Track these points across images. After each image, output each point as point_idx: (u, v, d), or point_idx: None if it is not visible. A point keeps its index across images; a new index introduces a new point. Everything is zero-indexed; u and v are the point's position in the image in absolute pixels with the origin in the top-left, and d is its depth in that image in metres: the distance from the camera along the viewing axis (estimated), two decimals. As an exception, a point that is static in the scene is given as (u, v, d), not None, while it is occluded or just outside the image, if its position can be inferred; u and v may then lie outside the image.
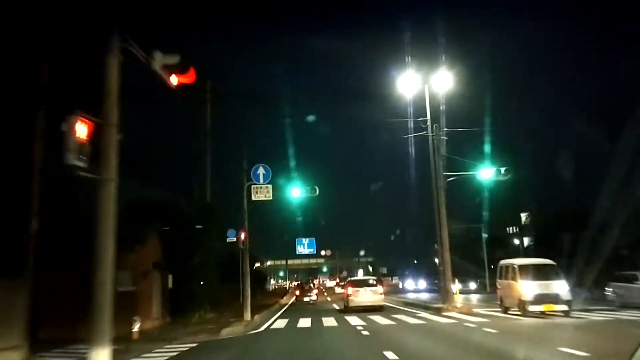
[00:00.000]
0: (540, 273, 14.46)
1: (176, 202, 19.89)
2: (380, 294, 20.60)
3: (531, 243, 49.61)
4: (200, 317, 19.32)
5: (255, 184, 17.80)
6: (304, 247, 62.57)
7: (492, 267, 46.67)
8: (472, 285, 38.75)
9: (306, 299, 32.22)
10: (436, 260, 72.79)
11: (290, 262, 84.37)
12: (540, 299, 14.01)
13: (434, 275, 42.71)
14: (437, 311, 17.42)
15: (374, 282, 21.47)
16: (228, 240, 19.51)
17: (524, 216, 52.97)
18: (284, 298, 39.54)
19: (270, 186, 17.91)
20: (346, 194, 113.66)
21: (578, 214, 29.20)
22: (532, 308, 14.04)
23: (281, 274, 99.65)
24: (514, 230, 56.14)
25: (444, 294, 18.61)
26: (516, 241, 52.56)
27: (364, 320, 15.45)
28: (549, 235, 39.42)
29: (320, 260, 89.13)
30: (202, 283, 20.00)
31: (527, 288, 14.33)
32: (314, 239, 63.56)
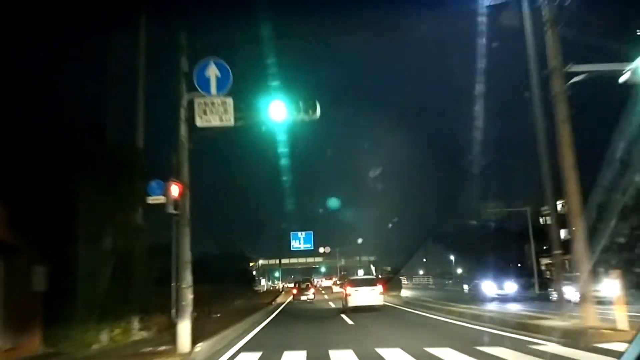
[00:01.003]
0: None
1: (76, 141, 11.47)
2: (380, 294, 20.09)
3: (568, 236, 42.03)
4: (112, 340, 11.13)
5: (203, 96, 9.52)
6: (299, 242, 54.69)
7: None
8: (610, 286, 14.95)
9: (303, 297, 33.19)
10: (452, 257, 64.33)
11: (285, 260, 76.79)
12: None
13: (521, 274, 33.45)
14: (572, 338, 8.46)
15: (374, 282, 20.89)
16: (151, 200, 11.05)
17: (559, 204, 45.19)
18: (275, 301, 32.94)
19: (229, 100, 9.55)
20: (349, 167, 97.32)
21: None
22: None
23: (277, 274, 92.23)
24: (545, 220, 48.71)
25: (565, 304, 10.05)
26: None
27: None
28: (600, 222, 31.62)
29: (319, 259, 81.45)
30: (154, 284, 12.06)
31: None
32: (311, 232, 55.36)
